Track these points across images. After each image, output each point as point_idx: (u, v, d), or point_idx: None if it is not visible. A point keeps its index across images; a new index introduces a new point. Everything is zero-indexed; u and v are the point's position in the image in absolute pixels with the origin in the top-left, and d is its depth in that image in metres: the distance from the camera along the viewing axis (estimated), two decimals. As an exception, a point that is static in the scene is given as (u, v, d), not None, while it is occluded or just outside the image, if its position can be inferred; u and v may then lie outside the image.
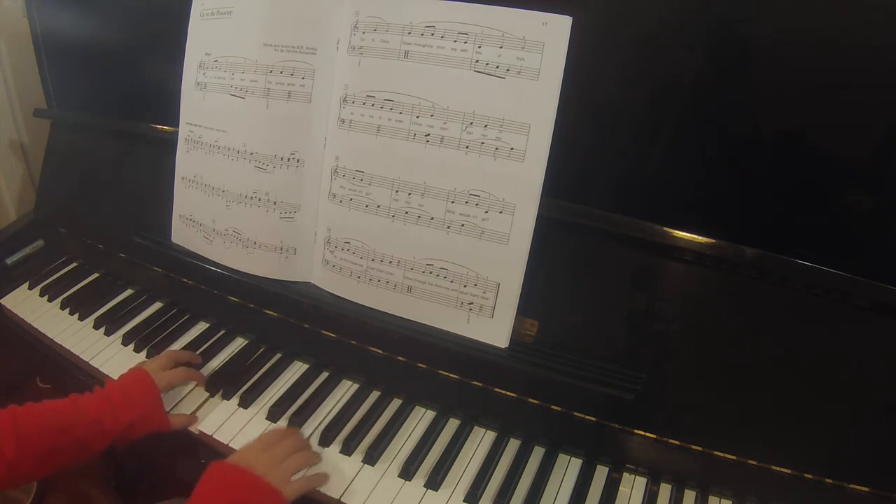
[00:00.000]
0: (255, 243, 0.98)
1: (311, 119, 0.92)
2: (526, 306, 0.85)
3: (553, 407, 0.87)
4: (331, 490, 0.81)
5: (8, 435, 0.75)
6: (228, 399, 0.95)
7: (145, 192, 1.16)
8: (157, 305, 1.16)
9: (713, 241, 0.78)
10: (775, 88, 0.75)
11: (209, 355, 1.03)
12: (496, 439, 0.89)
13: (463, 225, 0.85)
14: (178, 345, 1.06)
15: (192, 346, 1.05)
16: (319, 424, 0.91)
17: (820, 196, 0.77)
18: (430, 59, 0.83)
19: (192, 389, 0.97)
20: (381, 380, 0.97)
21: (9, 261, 1.27)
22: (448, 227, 0.85)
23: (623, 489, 0.83)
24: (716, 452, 0.80)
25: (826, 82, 0.73)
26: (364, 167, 0.89)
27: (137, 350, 1.05)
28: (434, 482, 0.82)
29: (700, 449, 0.81)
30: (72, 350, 1.06)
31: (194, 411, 0.93)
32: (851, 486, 0.76)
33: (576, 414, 0.86)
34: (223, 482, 0.76)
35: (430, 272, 0.88)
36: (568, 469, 0.86)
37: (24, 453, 0.76)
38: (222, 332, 1.09)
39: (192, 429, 0.91)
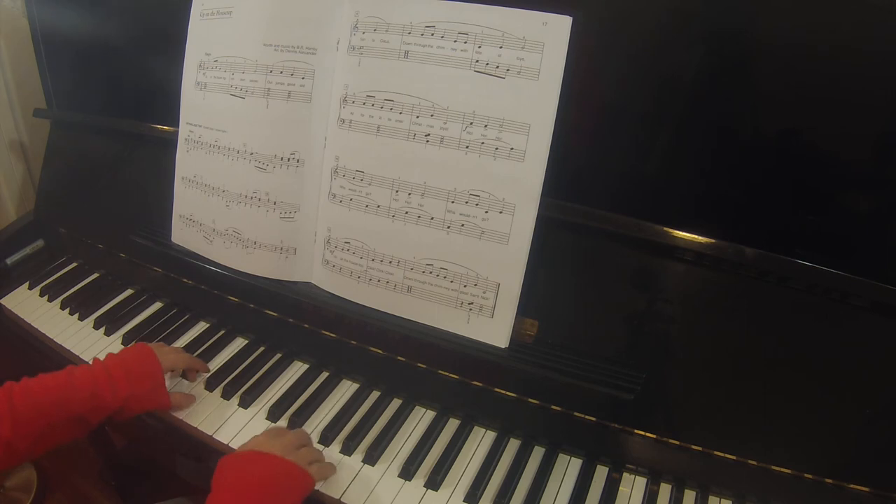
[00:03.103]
0: (255, 243, 0.98)
1: (310, 119, 0.92)
2: (526, 306, 0.85)
3: (553, 407, 0.87)
4: (331, 490, 0.81)
5: (3, 416, 0.74)
6: (228, 399, 0.95)
7: (145, 192, 1.16)
8: (157, 305, 1.16)
9: (713, 241, 0.78)
10: (775, 88, 0.75)
11: (209, 355, 1.03)
12: (496, 439, 0.89)
13: (463, 225, 0.85)
14: (178, 344, 1.06)
15: (192, 346, 1.05)
16: (319, 424, 0.91)
17: (820, 196, 0.77)
18: (430, 59, 0.83)
19: (192, 389, 0.97)
20: (381, 380, 0.97)
21: (9, 261, 1.27)
22: (448, 227, 0.85)
23: (623, 489, 0.83)
24: (716, 452, 0.80)
25: (826, 82, 0.73)
26: (364, 167, 0.89)
27: (137, 350, 1.05)
28: (434, 482, 0.82)
29: (700, 449, 0.81)
30: (72, 350, 1.06)
31: (193, 409, 0.93)
32: (851, 486, 0.76)
33: (576, 414, 0.86)
34: (246, 466, 0.73)
35: (430, 272, 0.88)
36: (568, 469, 0.86)
37: (20, 433, 0.74)
38: (222, 332, 1.09)
39: (187, 420, 0.90)
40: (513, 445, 0.89)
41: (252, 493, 0.70)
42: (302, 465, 0.75)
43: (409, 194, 0.86)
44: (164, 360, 0.89)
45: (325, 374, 1.00)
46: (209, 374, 0.99)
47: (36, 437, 0.76)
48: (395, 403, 0.95)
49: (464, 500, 0.81)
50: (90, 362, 1.02)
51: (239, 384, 0.97)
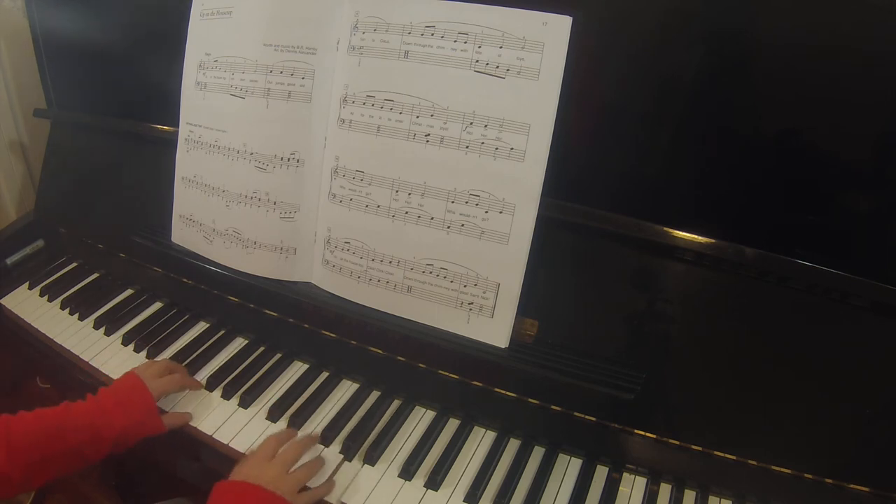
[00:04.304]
0: (255, 243, 0.98)
1: (310, 119, 0.92)
2: (526, 306, 0.85)
3: (553, 407, 0.87)
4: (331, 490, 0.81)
5: None
6: (228, 399, 0.95)
7: (145, 192, 1.16)
8: (157, 305, 1.16)
9: (713, 241, 0.78)
10: (775, 88, 0.75)
11: (209, 355, 1.03)
12: (496, 439, 0.89)
13: (463, 225, 0.85)
14: (178, 345, 1.06)
15: (192, 346, 1.05)
16: (319, 425, 0.91)
17: (820, 196, 0.77)
18: (430, 59, 0.83)
19: (192, 389, 0.97)
20: (381, 380, 0.97)
21: (9, 261, 1.27)
22: (448, 227, 0.85)
23: (623, 489, 0.83)
24: (716, 452, 0.80)
25: (826, 82, 0.73)
26: (364, 167, 0.89)
27: (137, 350, 1.05)
28: (434, 482, 0.82)
29: (700, 449, 0.81)
30: (72, 350, 1.06)
31: (193, 410, 0.93)
32: (851, 486, 0.76)
33: (576, 414, 0.85)
34: (233, 500, 0.74)
35: (430, 272, 0.88)
36: (568, 469, 0.86)
37: (15, 464, 0.75)
38: (222, 332, 1.09)
39: (193, 424, 0.91)
40: (513, 445, 0.89)
41: None
42: (289, 493, 0.76)
43: (409, 194, 0.86)
44: (153, 388, 0.89)
45: (325, 374, 1.00)
46: (209, 375, 0.99)
47: (31, 469, 0.76)
48: (395, 403, 0.95)
49: (464, 500, 0.81)
50: (90, 362, 1.03)
51: (239, 384, 0.97)
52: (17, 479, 0.75)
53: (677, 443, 0.82)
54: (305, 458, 0.84)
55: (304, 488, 0.80)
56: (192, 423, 0.91)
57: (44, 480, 0.79)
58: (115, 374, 0.97)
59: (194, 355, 1.03)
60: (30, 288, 1.21)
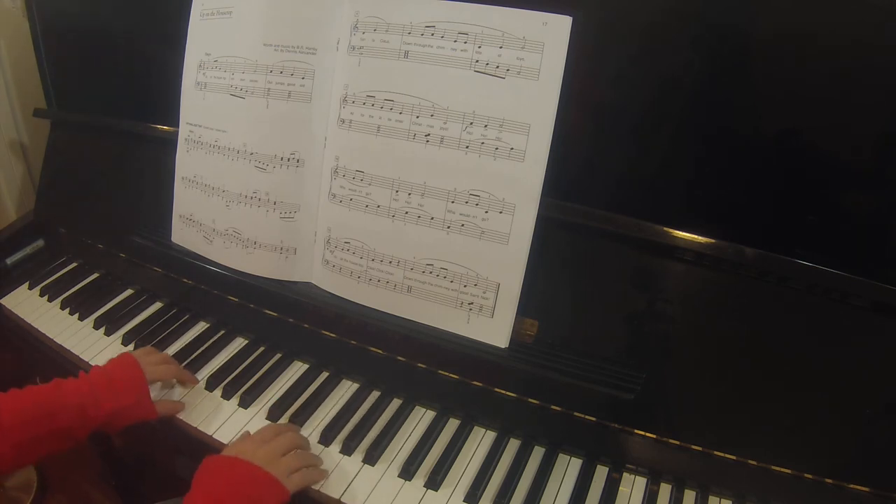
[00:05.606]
0: (255, 243, 0.98)
1: (310, 119, 0.92)
2: (526, 306, 0.85)
3: (553, 407, 0.87)
4: (331, 490, 0.81)
5: None
6: (228, 399, 0.95)
7: (145, 192, 1.16)
8: (157, 305, 1.16)
9: (713, 241, 0.78)
10: (775, 88, 0.75)
11: (209, 355, 1.03)
12: (496, 439, 0.89)
13: (463, 225, 0.85)
14: (178, 344, 1.06)
15: (192, 345, 1.05)
16: (319, 424, 0.91)
17: (820, 196, 0.77)
18: (430, 59, 0.83)
19: (191, 389, 0.97)
20: (381, 380, 0.97)
21: (9, 261, 1.27)
22: (448, 227, 0.85)
23: (623, 489, 0.83)
24: (716, 452, 0.80)
25: (826, 82, 0.73)
26: (364, 167, 0.89)
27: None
28: (434, 482, 0.82)
29: (700, 449, 0.81)
30: (72, 350, 1.06)
31: (193, 410, 0.93)
32: (851, 486, 0.76)
33: (576, 414, 0.85)
34: (223, 472, 0.75)
35: (430, 272, 0.88)
36: (568, 469, 0.86)
37: (6, 442, 0.75)
38: (222, 332, 1.08)
39: (193, 424, 0.91)
40: (513, 445, 0.89)
41: (222, 499, 0.72)
42: (280, 475, 0.76)
43: (409, 194, 0.86)
44: (149, 372, 0.89)
45: (325, 374, 1.00)
46: (209, 374, 0.99)
47: (22, 448, 0.77)
48: (395, 403, 0.95)
49: (464, 500, 0.81)
50: (90, 362, 1.03)
51: (239, 384, 0.97)
52: (10, 457, 0.76)
53: (677, 443, 0.82)
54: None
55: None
56: (193, 423, 0.91)
57: (35, 458, 0.79)
58: (115, 374, 0.97)
59: (194, 355, 1.03)
60: (30, 288, 1.21)
